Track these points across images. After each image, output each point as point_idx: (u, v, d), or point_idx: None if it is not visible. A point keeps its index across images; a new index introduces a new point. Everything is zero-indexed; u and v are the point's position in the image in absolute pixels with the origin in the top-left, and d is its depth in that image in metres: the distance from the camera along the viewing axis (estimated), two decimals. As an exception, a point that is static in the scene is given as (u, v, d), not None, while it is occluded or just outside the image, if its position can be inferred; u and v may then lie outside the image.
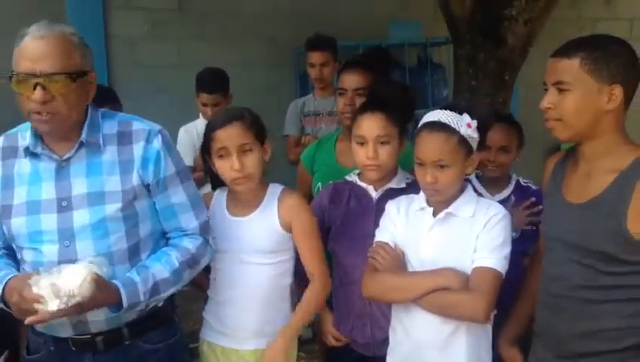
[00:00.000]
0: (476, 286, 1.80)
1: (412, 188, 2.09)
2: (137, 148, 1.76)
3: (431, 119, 1.90)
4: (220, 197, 2.13)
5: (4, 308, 1.71)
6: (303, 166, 2.68)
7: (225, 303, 2.07)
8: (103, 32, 4.93)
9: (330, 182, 2.30)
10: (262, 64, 5.27)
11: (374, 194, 2.16)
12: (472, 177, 2.48)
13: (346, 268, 2.16)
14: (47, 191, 1.72)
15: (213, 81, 3.41)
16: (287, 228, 2.05)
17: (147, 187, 1.78)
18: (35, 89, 1.62)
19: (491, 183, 2.48)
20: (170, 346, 1.88)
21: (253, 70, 5.18)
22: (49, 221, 1.70)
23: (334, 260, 2.22)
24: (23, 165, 1.75)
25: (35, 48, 1.63)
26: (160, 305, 1.84)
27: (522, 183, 2.51)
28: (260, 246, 2.04)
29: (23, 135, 1.78)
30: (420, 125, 1.93)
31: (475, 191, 2.17)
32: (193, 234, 1.86)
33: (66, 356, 1.78)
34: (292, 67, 5.41)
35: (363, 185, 2.18)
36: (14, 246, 1.78)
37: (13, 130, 1.82)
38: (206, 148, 2.04)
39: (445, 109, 1.91)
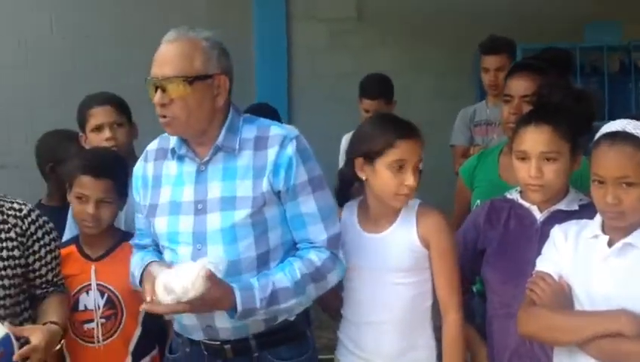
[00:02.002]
0: (660, 336, 1.50)
1: (586, 211, 1.81)
2: (271, 154, 1.74)
3: (612, 129, 1.65)
4: (350, 210, 2.01)
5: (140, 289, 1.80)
6: (462, 180, 2.48)
7: (361, 324, 1.96)
8: (285, 43, 5.11)
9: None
10: (441, 70, 5.12)
11: (539, 216, 1.91)
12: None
13: (502, 297, 1.94)
14: (188, 193, 1.77)
15: (375, 87, 3.38)
16: (427, 245, 1.91)
17: (278, 194, 1.75)
18: (156, 92, 1.69)
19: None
20: None
21: (431, 76, 5.06)
22: (186, 223, 1.75)
23: (488, 287, 2.00)
24: (171, 166, 1.82)
25: (161, 53, 1.73)
26: (292, 319, 1.80)
27: None
28: (399, 264, 1.91)
29: (174, 137, 1.84)
30: (597, 136, 1.68)
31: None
32: (321, 247, 1.78)
33: (199, 359, 1.81)
34: (473, 73, 5.14)
35: (526, 204, 1.94)
36: (159, 245, 1.86)
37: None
38: (370, 153, 1.89)
39: (629, 119, 1.65)
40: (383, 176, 1.88)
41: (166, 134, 1.87)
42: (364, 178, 1.93)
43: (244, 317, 1.68)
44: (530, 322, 1.71)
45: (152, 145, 1.90)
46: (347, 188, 2.04)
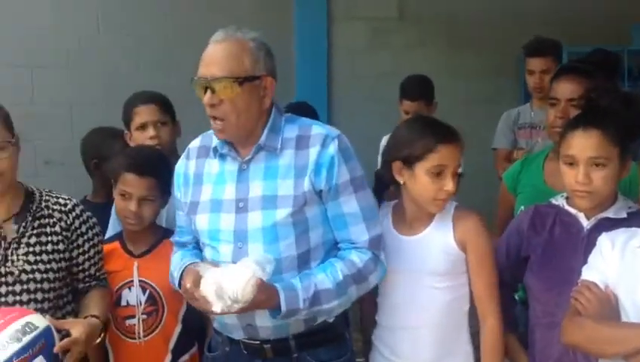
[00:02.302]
0: None
1: (635, 219, 1.78)
2: (313, 153, 1.74)
3: None
4: (384, 212, 1.98)
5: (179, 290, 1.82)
6: (506, 186, 2.44)
7: (395, 329, 1.94)
8: (325, 44, 5.10)
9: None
10: (483, 72, 5.02)
11: (585, 224, 1.86)
12: None
13: (545, 306, 1.89)
14: (229, 191, 1.78)
15: (416, 88, 3.34)
16: (463, 248, 1.88)
17: (319, 193, 1.74)
18: (205, 92, 1.69)
19: None
20: None
21: (472, 79, 4.97)
22: (227, 221, 1.76)
23: (531, 295, 1.95)
24: (213, 164, 1.83)
25: (209, 53, 1.73)
26: (331, 320, 1.80)
27: None
28: (434, 268, 1.89)
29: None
30: None
31: None
32: (362, 247, 1.77)
33: (238, 358, 1.82)
34: (516, 76, 5.05)
35: (572, 211, 1.89)
36: (200, 243, 1.87)
37: (211, 131, 1.89)
38: (409, 157, 1.87)
39: None
40: (421, 180, 1.86)
41: (209, 132, 1.88)
42: (401, 181, 1.92)
43: (287, 317, 1.68)
44: (575, 332, 1.67)
45: (195, 143, 1.91)
46: (383, 191, 2.03)
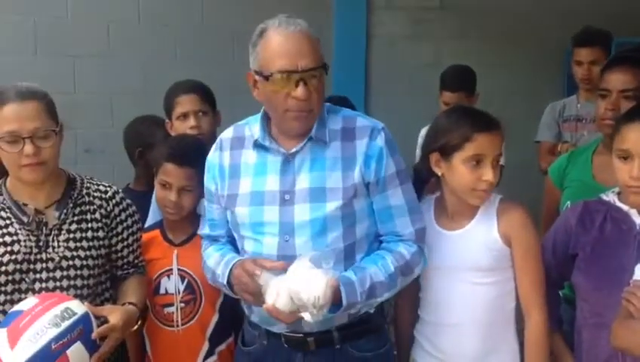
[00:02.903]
0: None
1: None
2: (360, 145, 1.72)
3: None
4: (426, 206, 1.94)
5: (230, 292, 1.80)
6: (551, 180, 2.37)
7: (438, 325, 1.91)
8: (364, 33, 5.05)
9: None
10: (525, 65, 4.91)
11: (638, 221, 1.79)
12: None
13: (593, 306, 1.83)
14: (272, 183, 1.74)
15: (457, 79, 3.26)
16: (508, 242, 1.84)
17: (367, 186, 1.72)
18: (297, 85, 1.62)
19: None
20: (379, 356, 1.81)
21: (514, 71, 4.87)
22: (271, 213, 1.73)
23: (578, 294, 1.89)
24: (250, 156, 1.79)
25: (291, 45, 1.62)
26: (372, 311, 1.79)
27: None
28: (477, 263, 1.84)
29: (251, 127, 1.82)
30: None
31: None
32: (408, 240, 1.75)
33: (277, 351, 1.80)
34: (560, 69, 4.92)
35: (624, 207, 1.82)
36: (236, 236, 1.84)
37: (243, 122, 1.87)
38: (446, 147, 1.83)
39: None
40: (459, 171, 1.82)
41: (241, 123, 1.85)
42: (439, 174, 1.88)
43: (344, 311, 1.66)
44: (627, 336, 1.61)
45: (227, 134, 1.86)
46: (422, 185, 1.98)
